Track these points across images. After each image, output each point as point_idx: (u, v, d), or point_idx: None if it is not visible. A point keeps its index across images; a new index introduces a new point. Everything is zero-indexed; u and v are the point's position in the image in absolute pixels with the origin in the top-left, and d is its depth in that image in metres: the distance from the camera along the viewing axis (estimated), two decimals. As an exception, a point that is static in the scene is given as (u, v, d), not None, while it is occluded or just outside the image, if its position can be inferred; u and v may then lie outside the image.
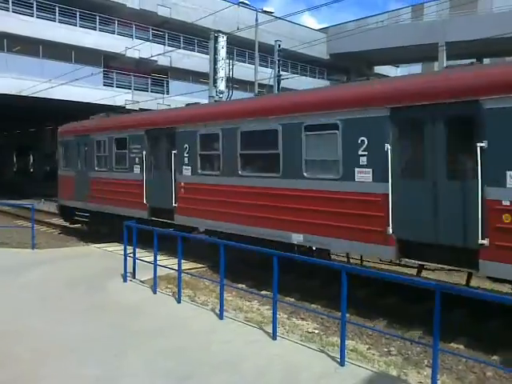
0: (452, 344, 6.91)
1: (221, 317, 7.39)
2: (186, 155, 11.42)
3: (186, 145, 11.38)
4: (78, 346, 6.27)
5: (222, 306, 7.45)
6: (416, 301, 8.19)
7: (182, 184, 11.53)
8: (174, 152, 11.65)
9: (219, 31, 24.82)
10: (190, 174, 11.34)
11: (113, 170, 14.15)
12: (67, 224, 18.01)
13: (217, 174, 10.67)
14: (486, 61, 34.92)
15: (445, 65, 34.26)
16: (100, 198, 14.66)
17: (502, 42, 29.33)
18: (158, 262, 8.90)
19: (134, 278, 9.60)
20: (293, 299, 9.03)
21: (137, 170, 12.96)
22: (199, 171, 11.12)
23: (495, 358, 6.53)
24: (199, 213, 11.00)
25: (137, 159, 12.97)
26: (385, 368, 5.92)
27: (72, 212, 16.54)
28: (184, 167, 11.48)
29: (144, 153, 12.64)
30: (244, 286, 9.93)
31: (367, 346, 6.90)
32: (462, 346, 6.87)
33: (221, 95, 23.24)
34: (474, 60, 8.52)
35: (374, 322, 7.90)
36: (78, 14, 30.78)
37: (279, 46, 28.34)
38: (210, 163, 11.15)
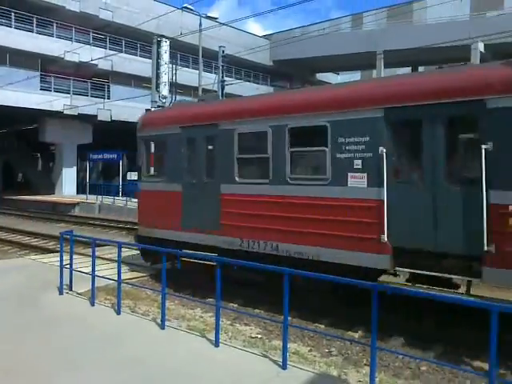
0: (391, 342, 7.11)
1: (162, 326, 7.19)
2: None
3: None
4: (6, 365, 5.89)
5: (163, 315, 7.25)
6: (358, 303, 8.35)
7: None
8: (484, 147, 6.51)
9: (162, 36, 24.56)
10: None
11: (286, 182, 8.61)
12: (147, 264, 11.16)
13: None
14: (421, 69, 36.76)
15: (382, 73, 35.78)
16: (254, 229, 8.95)
17: (436, 51, 30.90)
18: (96, 273, 8.56)
19: (71, 290, 9.18)
20: (236, 305, 8.97)
21: (358, 181, 7.77)
22: None
23: (431, 353, 6.78)
24: None
25: (356, 163, 7.81)
26: (326, 369, 6.00)
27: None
28: None
29: (381, 150, 7.41)
30: (187, 294, 9.75)
31: (309, 348, 6.97)
32: (399, 344, 7.09)
33: (164, 100, 22.94)
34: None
35: (315, 324, 7.99)
36: (13, 14, 29.48)
37: (223, 51, 28.41)
38: None
